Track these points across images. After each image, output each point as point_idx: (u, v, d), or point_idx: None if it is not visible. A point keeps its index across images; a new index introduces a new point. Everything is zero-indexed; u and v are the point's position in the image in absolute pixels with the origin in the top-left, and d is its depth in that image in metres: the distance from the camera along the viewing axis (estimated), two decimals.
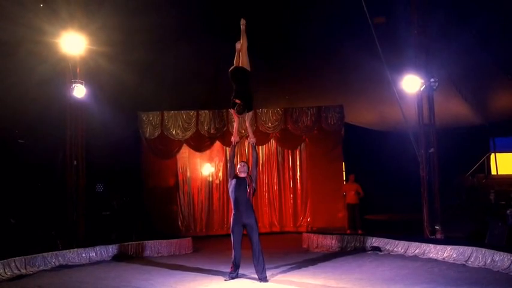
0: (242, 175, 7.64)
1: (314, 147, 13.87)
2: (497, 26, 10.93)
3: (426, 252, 9.07)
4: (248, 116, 8.03)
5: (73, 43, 10.04)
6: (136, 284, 7.43)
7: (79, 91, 10.30)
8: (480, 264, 7.92)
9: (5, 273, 7.93)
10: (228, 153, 14.00)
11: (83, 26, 10.27)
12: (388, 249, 9.76)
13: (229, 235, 7.57)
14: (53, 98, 10.81)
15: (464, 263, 8.18)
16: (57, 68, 10.40)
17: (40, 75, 10.22)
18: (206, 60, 12.48)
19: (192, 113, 13.61)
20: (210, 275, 7.89)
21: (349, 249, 10.31)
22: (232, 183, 7.60)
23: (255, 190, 7.67)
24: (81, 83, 10.34)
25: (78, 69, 10.48)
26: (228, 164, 8.50)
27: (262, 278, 7.29)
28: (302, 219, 13.96)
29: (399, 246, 9.63)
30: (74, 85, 10.25)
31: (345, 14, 10.81)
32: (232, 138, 8.07)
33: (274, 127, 13.71)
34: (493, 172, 16.35)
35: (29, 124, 11.67)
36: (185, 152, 14.02)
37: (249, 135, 8.32)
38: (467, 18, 10.77)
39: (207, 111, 13.62)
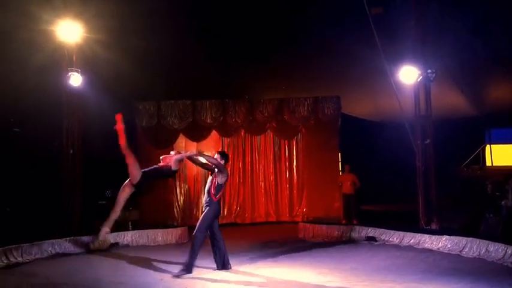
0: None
1: (310, 138, 13.83)
2: (494, 17, 10.92)
3: (421, 242, 9.14)
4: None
5: (69, 31, 9.98)
6: (132, 272, 7.47)
7: (75, 79, 10.26)
8: (474, 255, 8.00)
9: (1, 261, 7.95)
10: (224, 142, 14.12)
11: (79, 13, 10.17)
12: (383, 239, 9.82)
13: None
14: (49, 87, 10.74)
15: (458, 253, 8.26)
16: (54, 56, 10.33)
17: (36, 64, 10.14)
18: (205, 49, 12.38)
19: (188, 102, 13.50)
20: (206, 265, 7.91)
21: (344, 239, 10.35)
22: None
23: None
24: (78, 71, 10.30)
25: (74, 57, 10.42)
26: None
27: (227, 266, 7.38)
28: (298, 209, 13.97)
29: (394, 236, 9.70)
30: (70, 73, 10.21)
31: (342, 4, 10.76)
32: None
33: (270, 117, 13.66)
34: (488, 163, 16.43)
35: (24, 113, 11.62)
36: (182, 141, 13.96)
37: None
38: (464, 10, 10.75)
39: (203, 101, 13.53)
